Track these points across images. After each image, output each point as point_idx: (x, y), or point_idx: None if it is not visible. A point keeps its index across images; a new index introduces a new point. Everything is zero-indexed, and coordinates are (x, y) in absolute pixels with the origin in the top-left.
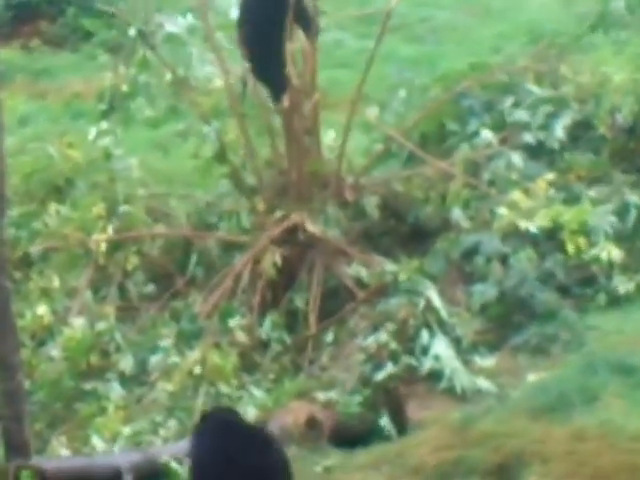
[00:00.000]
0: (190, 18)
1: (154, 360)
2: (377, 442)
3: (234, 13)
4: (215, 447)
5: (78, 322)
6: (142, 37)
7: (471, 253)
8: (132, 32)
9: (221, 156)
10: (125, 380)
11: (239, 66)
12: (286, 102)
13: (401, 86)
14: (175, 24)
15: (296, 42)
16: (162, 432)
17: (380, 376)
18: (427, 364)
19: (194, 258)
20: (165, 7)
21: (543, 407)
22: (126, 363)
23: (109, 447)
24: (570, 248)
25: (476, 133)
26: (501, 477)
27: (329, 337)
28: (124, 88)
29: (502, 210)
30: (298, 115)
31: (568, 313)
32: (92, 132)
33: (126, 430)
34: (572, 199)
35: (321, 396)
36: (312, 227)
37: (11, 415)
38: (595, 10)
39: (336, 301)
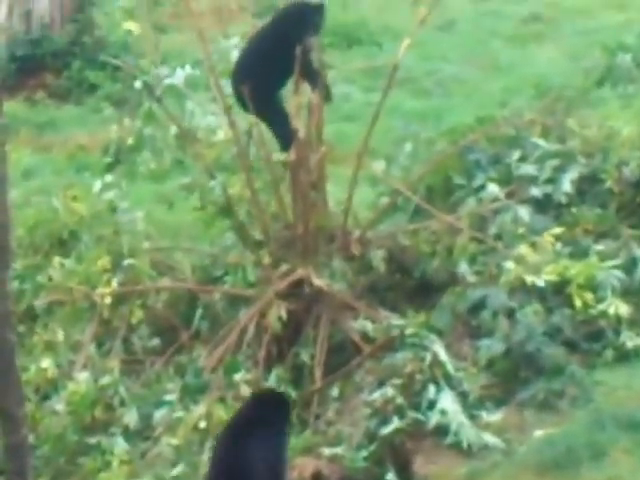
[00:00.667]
0: (189, 69)
1: (159, 414)
2: None
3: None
4: None
5: (82, 376)
6: (148, 90)
7: (478, 307)
8: (138, 85)
9: (227, 209)
10: (129, 434)
11: (244, 117)
12: (292, 155)
13: (407, 139)
14: (175, 76)
15: (303, 95)
16: None
17: (386, 431)
18: (433, 419)
19: (199, 312)
20: (170, 59)
21: (550, 463)
22: (130, 417)
23: None
24: (577, 303)
25: (482, 187)
26: None
27: (335, 392)
28: (129, 141)
29: (509, 264)
30: (304, 169)
31: (575, 368)
32: (97, 185)
33: None
34: (579, 253)
35: (327, 451)
36: (318, 281)
37: (15, 469)
38: (602, 64)
39: (342, 355)
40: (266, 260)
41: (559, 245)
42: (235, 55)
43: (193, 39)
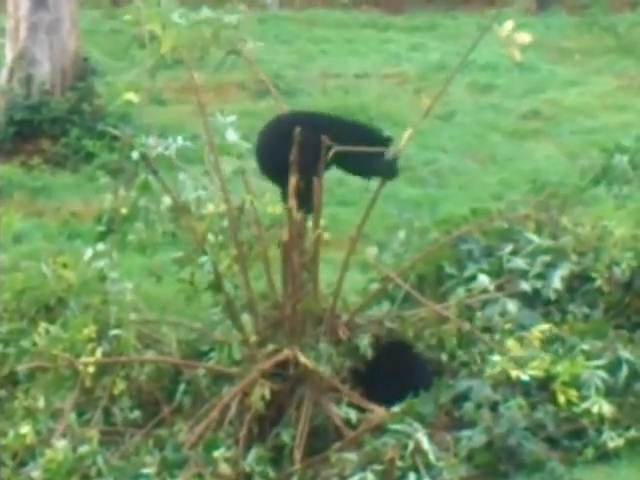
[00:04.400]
0: (180, 141)
1: None
2: None
3: (230, 135)
4: None
5: (61, 444)
6: (145, 161)
7: (461, 398)
8: (135, 155)
9: (216, 286)
10: None
11: (237, 193)
12: (285, 236)
13: (401, 227)
14: (167, 147)
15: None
16: None
17: None
18: None
19: (182, 386)
20: (169, 132)
21: None
22: None
23: None
24: (561, 400)
25: (473, 277)
26: None
27: (314, 474)
28: (123, 211)
29: (495, 357)
30: (297, 249)
31: (556, 465)
32: (87, 253)
33: None
34: (565, 351)
35: None
36: (304, 359)
37: None
38: (599, 164)
39: (323, 438)
40: (252, 339)
41: (546, 341)
42: (231, 134)
43: (193, 112)
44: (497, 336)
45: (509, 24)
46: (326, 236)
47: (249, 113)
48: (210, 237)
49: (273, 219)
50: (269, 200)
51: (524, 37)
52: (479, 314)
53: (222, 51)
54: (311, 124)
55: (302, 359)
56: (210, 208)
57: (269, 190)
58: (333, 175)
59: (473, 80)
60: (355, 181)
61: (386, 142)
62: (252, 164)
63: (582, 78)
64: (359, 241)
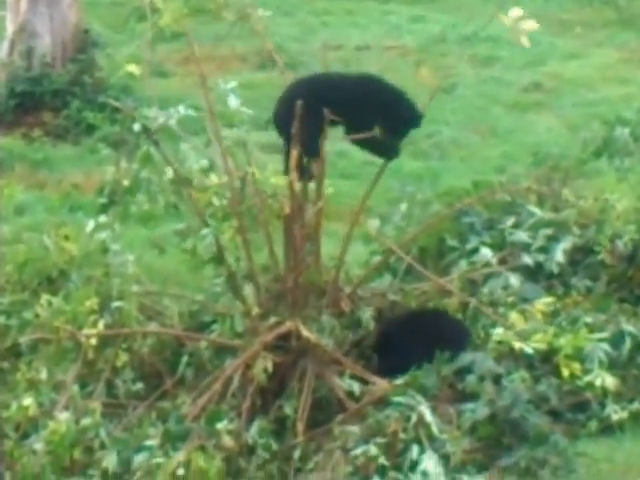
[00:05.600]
0: (182, 109)
1: (138, 459)
2: None
3: (231, 102)
4: None
5: (63, 416)
6: (146, 133)
7: (464, 371)
8: (136, 127)
9: (218, 258)
10: (108, 478)
11: (240, 163)
12: (287, 208)
13: (403, 200)
14: (169, 116)
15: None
16: None
17: None
18: None
19: (185, 359)
20: (170, 103)
21: None
22: (110, 461)
23: None
24: (564, 373)
25: (475, 250)
26: None
27: (317, 446)
28: (125, 183)
29: (497, 330)
30: (299, 221)
31: (559, 438)
32: (89, 225)
33: None
34: (568, 324)
35: None
36: (306, 332)
37: None
38: (600, 136)
39: (326, 410)
40: (255, 311)
41: (549, 314)
42: (232, 100)
43: (194, 84)
44: (500, 309)
45: (516, 11)
46: (329, 193)
47: (250, 85)
48: (212, 208)
49: (276, 190)
50: (272, 171)
51: (531, 24)
52: (482, 288)
53: (226, 23)
54: (331, 87)
55: (304, 332)
56: (213, 179)
57: (272, 161)
58: (334, 147)
59: (474, 53)
60: (357, 154)
61: (416, 116)
62: (255, 134)
63: (583, 51)
64: (361, 213)
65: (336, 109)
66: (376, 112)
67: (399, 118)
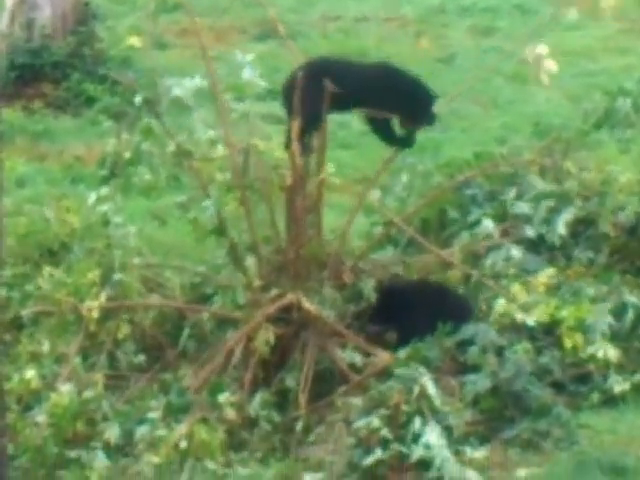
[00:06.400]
0: (198, 80)
1: (140, 431)
2: None
3: (246, 73)
4: None
5: (66, 388)
6: (148, 105)
7: (466, 343)
8: (138, 99)
9: (220, 230)
10: (110, 450)
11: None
12: (289, 180)
13: (404, 171)
14: (182, 87)
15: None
16: None
17: (368, 461)
18: (417, 452)
19: (186, 331)
20: (170, 75)
21: None
22: (112, 433)
23: None
24: (567, 344)
25: (477, 222)
26: None
27: (319, 419)
28: (126, 155)
29: (500, 302)
30: (301, 193)
31: (561, 410)
32: (91, 197)
33: None
34: (571, 295)
35: (308, 478)
36: (308, 304)
37: None
38: (601, 107)
39: (328, 382)
40: (256, 283)
41: (551, 286)
42: (248, 71)
43: (194, 55)
44: (502, 282)
45: (541, 49)
46: (335, 180)
47: None
48: (216, 179)
49: (278, 163)
50: (275, 144)
51: (552, 65)
52: (484, 260)
53: None
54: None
55: (306, 304)
56: (219, 150)
57: (275, 132)
58: (334, 118)
59: (474, 23)
60: (356, 124)
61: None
62: (256, 105)
63: (583, 21)
64: (362, 184)
65: (354, 96)
66: (394, 101)
67: (417, 106)
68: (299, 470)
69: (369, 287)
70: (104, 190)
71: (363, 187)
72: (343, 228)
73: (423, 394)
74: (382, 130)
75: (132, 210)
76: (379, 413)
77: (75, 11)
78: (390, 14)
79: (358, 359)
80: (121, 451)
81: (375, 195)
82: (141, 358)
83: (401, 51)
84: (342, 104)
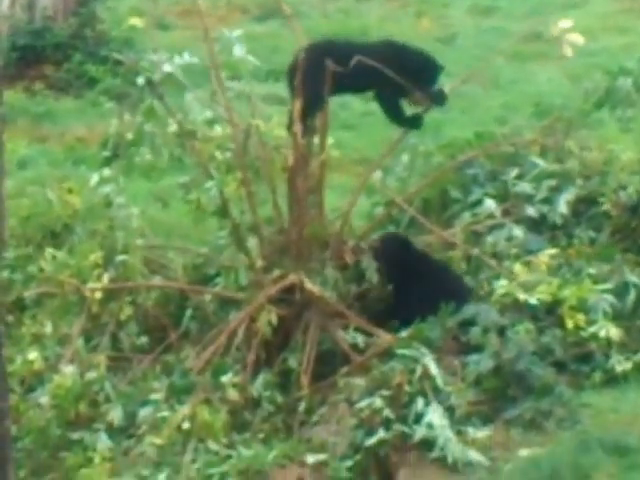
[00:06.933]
0: (187, 57)
1: (143, 413)
2: None
3: (237, 51)
4: None
5: (68, 370)
6: (150, 85)
7: (469, 323)
8: (140, 80)
9: (222, 211)
10: (113, 431)
11: (243, 114)
12: (290, 160)
13: (405, 151)
14: (173, 63)
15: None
16: None
17: (371, 442)
18: (420, 432)
19: (189, 312)
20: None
21: None
22: (115, 414)
23: None
24: (569, 324)
25: (479, 202)
26: None
27: (322, 399)
28: (129, 136)
29: (502, 282)
30: (303, 174)
31: (564, 389)
32: (93, 179)
33: None
34: (572, 275)
35: (311, 459)
36: (310, 285)
37: None
38: (602, 86)
39: (330, 363)
40: (259, 264)
41: (553, 266)
42: (238, 49)
43: (196, 36)
44: (504, 261)
45: (565, 23)
46: (336, 154)
47: (251, 37)
48: (216, 161)
49: (279, 143)
50: (276, 123)
51: (577, 38)
52: (486, 240)
53: None
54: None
55: (308, 285)
56: (218, 130)
57: (275, 113)
58: (335, 99)
59: (474, 2)
60: (357, 105)
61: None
62: (256, 85)
63: (583, 0)
64: (363, 165)
65: (360, 76)
66: (402, 76)
67: (425, 78)
68: (302, 451)
69: (371, 268)
70: (106, 171)
71: (365, 168)
72: (345, 209)
73: (425, 374)
74: (392, 110)
75: (134, 191)
76: (381, 393)
77: None
78: None
79: (360, 340)
80: (124, 432)
81: (376, 175)
82: (144, 339)
83: (402, 31)
84: (348, 85)
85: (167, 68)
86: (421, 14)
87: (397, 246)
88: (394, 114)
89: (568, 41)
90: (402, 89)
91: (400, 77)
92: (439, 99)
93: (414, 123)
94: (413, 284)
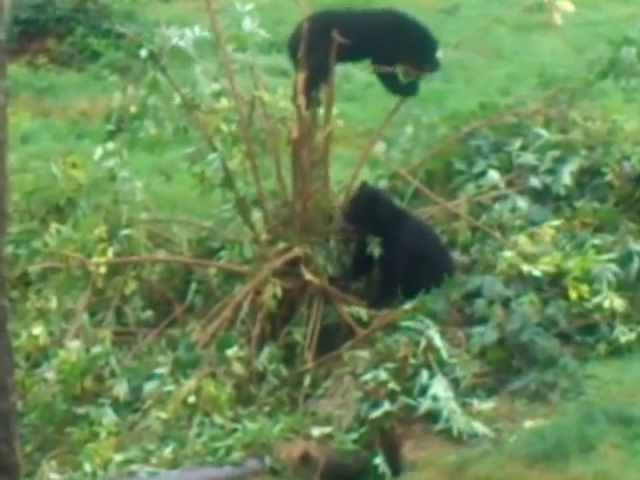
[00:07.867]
0: (197, 31)
1: (149, 387)
2: None
3: (246, 24)
4: None
5: (74, 345)
6: (153, 58)
7: (473, 295)
8: (143, 53)
9: (227, 183)
10: (119, 406)
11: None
12: (295, 133)
13: (408, 122)
14: (182, 38)
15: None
16: (154, 461)
17: (376, 414)
18: (425, 404)
19: (194, 286)
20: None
21: (540, 454)
22: (120, 389)
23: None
24: (573, 295)
25: (483, 173)
26: None
27: (327, 372)
28: (132, 109)
29: (506, 253)
30: (307, 147)
31: (568, 361)
32: (97, 152)
33: (118, 457)
34: (576, 246)
35: (316, 432)
36: (309, 276)
37: (2, 437)
38: (606, 57)
39: (335, 336)
40: (263, 237)
41: (557, 237)
42: (248, 22)
43: (197, 8)
44: (508, 233)
45: None
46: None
47: (255, 9)
48: (221, 133)
49: (284, 115)
50: (281, 95)
51: (567, 5)
52: (490, 211)
53: None
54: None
55: (307, 276)
56: (224, 103)
57: (279, 85)
58: (339, 70)
59: None
60: (361, 76)
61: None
62: (260, 57)
63: None
64: (367, 137)
65: (360, 43)
66: (399, 47)
67: (424, 51)
68: (307, 424)
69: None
70: (110, 145)
71: (368, 140)
72: (349, 181)
73: (430, 347)
74: (388, 78)
75: (138, 165)
76: (386, 366)
77: None
78: None
79: (364, 313)
80: (129, 407)
81: (380, 147)
82: (149, 314)
83: (405, 1)
84: (348, 54)
85: (180, 42)
86: None
87: (366, 198)
88: (390, 82)
89: (557, 8)
90: (396, 57)
91: (396, 47)
92: (410, 90)
93: (409, 90)
94: (380, 236)
